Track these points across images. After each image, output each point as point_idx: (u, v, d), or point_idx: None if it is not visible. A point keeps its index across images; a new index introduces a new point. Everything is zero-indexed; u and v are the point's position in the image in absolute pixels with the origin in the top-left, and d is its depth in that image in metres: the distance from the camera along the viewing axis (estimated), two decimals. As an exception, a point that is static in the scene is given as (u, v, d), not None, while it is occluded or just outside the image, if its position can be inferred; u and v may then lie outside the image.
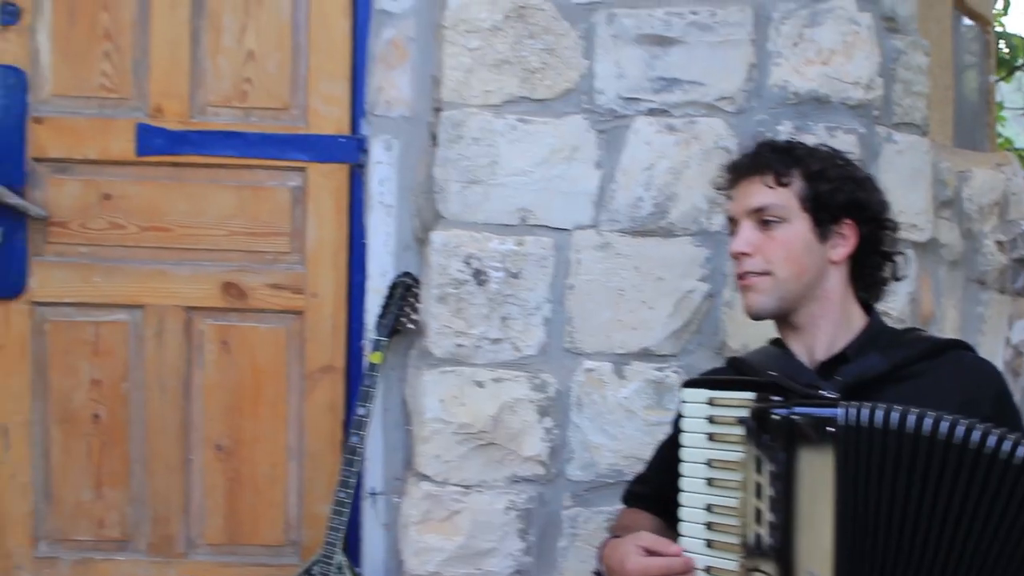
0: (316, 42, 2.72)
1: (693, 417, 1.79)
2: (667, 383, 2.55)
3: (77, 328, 2.78)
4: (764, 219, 1.81)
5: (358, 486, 2.65)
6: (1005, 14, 6.22)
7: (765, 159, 1.82)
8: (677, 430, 1.88)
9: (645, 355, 2.54)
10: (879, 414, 1.56)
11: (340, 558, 2.58)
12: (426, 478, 2.51)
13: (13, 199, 2.68)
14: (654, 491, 2.06)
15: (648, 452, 2.31)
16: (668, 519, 1.93)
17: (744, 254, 1.81)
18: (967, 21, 3.60)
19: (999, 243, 3.08)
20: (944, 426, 1.52)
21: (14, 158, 2.70)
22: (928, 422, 1.53)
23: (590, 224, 2.51)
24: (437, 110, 2.51)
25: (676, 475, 1.84)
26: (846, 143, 2.49)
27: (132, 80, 2.73)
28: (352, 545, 2.77)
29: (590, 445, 2.55)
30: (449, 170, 2.47)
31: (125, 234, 2.75)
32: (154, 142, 2.71)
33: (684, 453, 1.79)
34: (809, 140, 2.36)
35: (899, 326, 2.26)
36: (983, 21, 3.80)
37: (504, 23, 2.45)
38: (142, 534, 2.84)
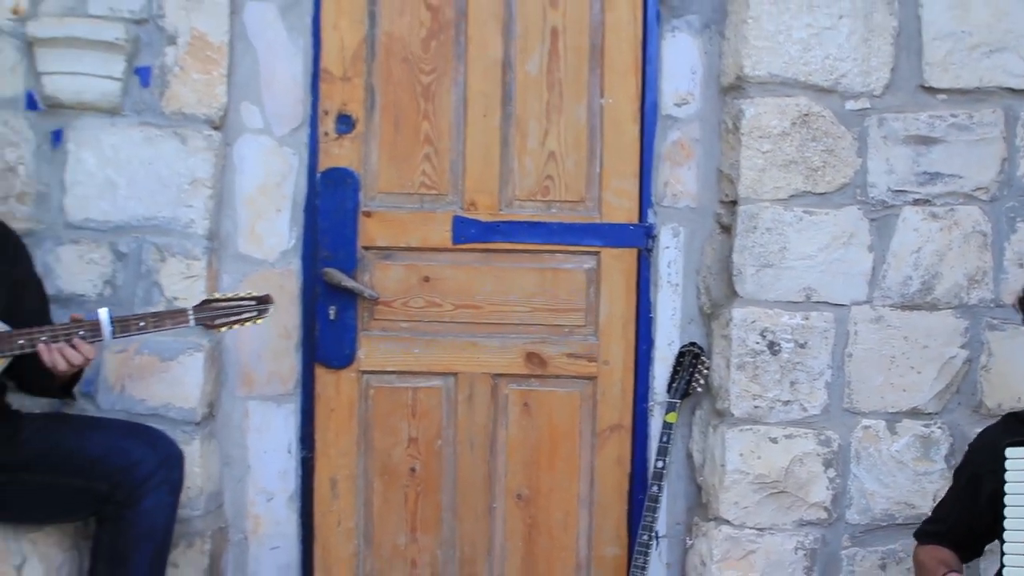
0: (609, 144, 3.25)
1: (1019, 470, 2.26)
2: (932, 438, 3.04)
3: (398, 393, 3.32)
4: None
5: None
6: None
7: None
8: (972, 493, 2.37)
9: (914, 413, 3.03)
10: None
11: (645, 593, 3.07)
12: (726, 522, 3.01)
13: (349, 283, 3.24)
14: (948, 529, 2.54)
15: (916, 499, 2.84)
16: (960, 551, 2.46)
17: None
18: None
19: None
20: None
21: (347, 247, 3.26)
22: None
23: (865, 300, 3.01)
24: (732, 203, 3.03)
25: (969, 515, 2.39)
26: (1088, 226, 2.96)
27: (449, 178, 3.28)
28: (636, 583, 3.26)
29: (866, 492, 3.02)
30: (745, 256, 2.98)
31: (441, 311, 3.29)
32: (468, 231, 3.26)
33: (1009, 499, 2.26)
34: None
35: None
36: None
37: (791, 129, 2.97)
38: (450, 573, 3.35)
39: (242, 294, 2.81)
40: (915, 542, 2.61)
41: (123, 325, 2.66)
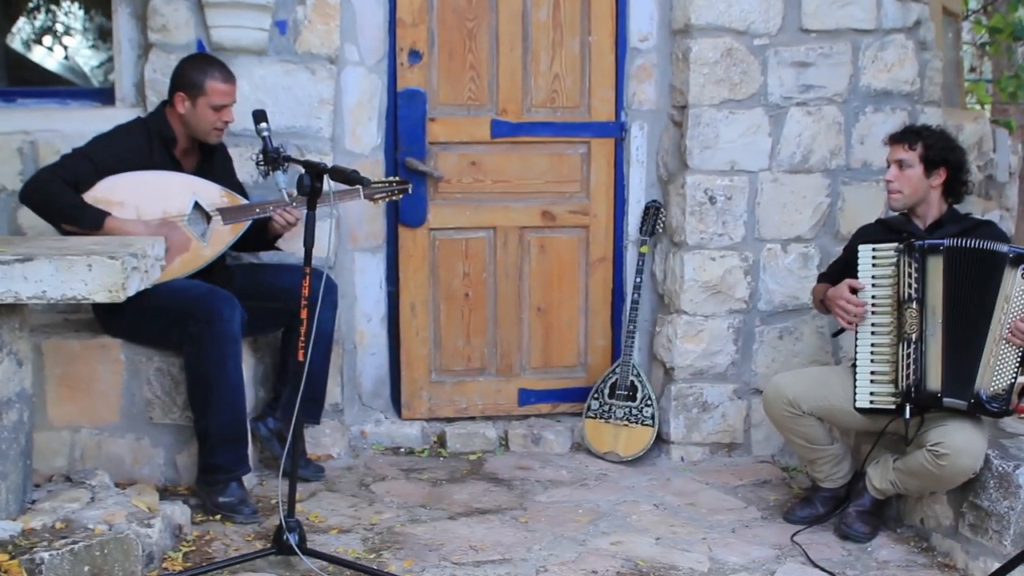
0: (595, 67, 5.12)
1: (864, 257, 4.24)
2: (809, 254, 5.08)
3: (455, 243, 5.16)
4: (900, 164, 4.28)
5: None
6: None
7: (907, 135, 4.20)
8: (847, 261, 4.33)
9: (797, 240, 5.07)
10: (960, 240, 4.05)
11: (633, 361, 5.08)
12: (685, 312, 5.01)
13: (423, 167, 5.04)
14: (832, 278, 4.41)
15: (799, 293, 4.88)
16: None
17: (890, 181, 4.29)
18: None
19: (978, 166, 5.71)
20: (976, 242, 4.02)
21: (419, 143, 5.04)
22: (972, 241, 4.01)
23: (767, 168, 5.01)
24: (682, 107, 4.97)
25: (843, 272, 4.25)
26: (901, 117, 5.03)
27: (487, 93, 5.08)
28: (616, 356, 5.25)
29: (770, 290, 5.07)
30: (693, 142, 4.93)
31: (484, 185, 5.13)
32: (501, 129, 5.10)
33: (860, 272, 4.25)
34: (880, 117, 4.91)
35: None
36: (955, 16, 6.40)
37: (720, 58, 4.91)
38: (493, 364, 5.25)
39: (391, 179, 4.58)
40: (815, 283, 4.56)
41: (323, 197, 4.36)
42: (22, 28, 8.51)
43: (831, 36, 4.96)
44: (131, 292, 3.36)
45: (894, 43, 5.01)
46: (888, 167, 4.22)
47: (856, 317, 4.10)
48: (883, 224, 4.37)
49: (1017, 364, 3.92)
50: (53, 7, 8.27)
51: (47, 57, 8.72)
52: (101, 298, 3.27)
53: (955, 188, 4.21)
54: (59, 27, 8.53)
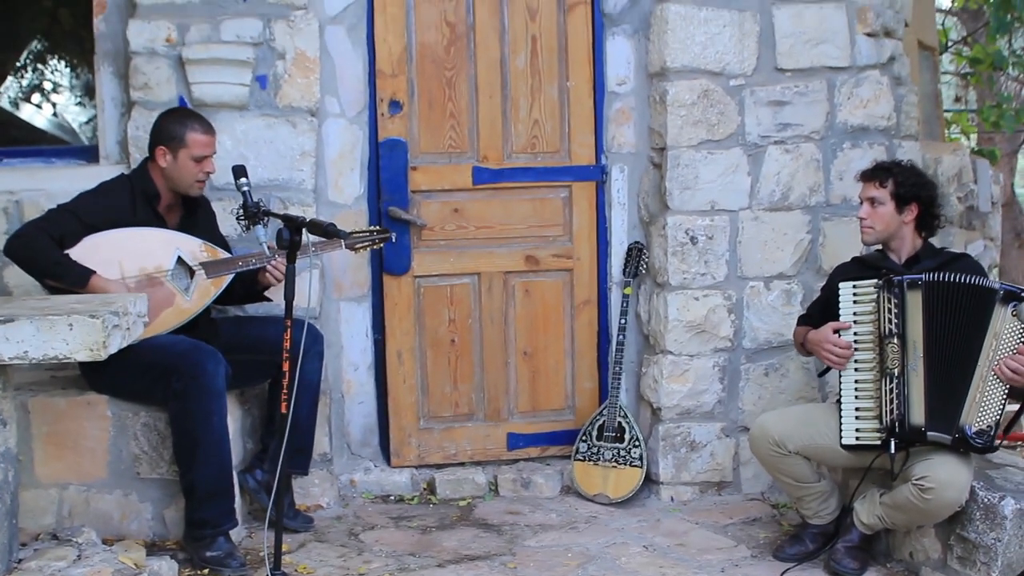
0: (574, 112, 5.18)
1: (845, 294, 4.31)
2: (792, 291, 5.13)
3: (440, 289, 5.20)
4: (872, 202, 4.34)
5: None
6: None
7: (878, 172, 4.31)
8: (827, 300, 4.40)
9: (780, 277, 5.12)
10: (939, 275, 4.10)
11: (620, 402, 5.11)
12: (670, 352, 5.05)
13: (406, 215, 5.10)
14: (814, 321, 4.49)
15: (783, 330, 4.91)
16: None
17: (863, 218, 4.35)
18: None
19: (958, 198, 5.77)
20: (962, 277, 4.08)
21: (401, 192, 5.10)
22: (956, 276, 4.08)
23: (747, 207, 5.06)
24: (661, 149, 5.03)
25: (823, 313, 4.32)
26: (879, 151, 5.09)
27: (468, 141, 5.14)
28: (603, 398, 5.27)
29: (754, 328, 5.11)
30: (673, 183, 4.99)
31: (467, 231, 5.18)
32: (483, 176, 5.16)
33: (841, 310, 4.31)
34: (858, 153, 4.97)
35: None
36: (932, 50, 6.49)
37: (697, 100, 4.98)
38: (481, 409, 5.29)
39: (371, 228, 4.64)
40: (795, 325, 4.60)
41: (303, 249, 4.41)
42: (9, 87, 8.59)
43: (806, 74, 5.02)
44: (112, 350, 3.40)
45: (869, 79, 5.07)
46: (861, 204, 4.26)
47: (844, 359, 4.13)
48: (859, 261, 4.42)
49: (1003, 400, 3.94)
50: (40, 65, 8.37)
51: (36, 115, 8.81)
52: (82, 357, 3.31)
53: (928, 222, 4.27)
54: (47, 85, 8.61)
